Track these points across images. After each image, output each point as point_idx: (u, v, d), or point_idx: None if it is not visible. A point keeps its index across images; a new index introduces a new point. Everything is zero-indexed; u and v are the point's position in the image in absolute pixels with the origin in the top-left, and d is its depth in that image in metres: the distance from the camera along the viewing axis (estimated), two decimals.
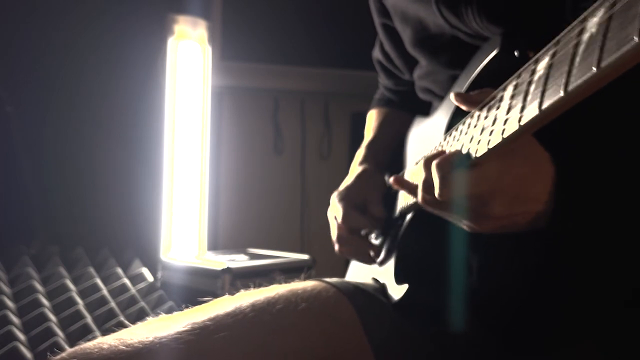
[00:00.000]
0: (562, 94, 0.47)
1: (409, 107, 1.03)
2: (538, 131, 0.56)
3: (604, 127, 0.68)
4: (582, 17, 0.47)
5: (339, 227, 0.95)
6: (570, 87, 0.46)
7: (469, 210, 0.64)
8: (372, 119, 1.14)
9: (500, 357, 0.79)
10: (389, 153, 1.04)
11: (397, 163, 0.99)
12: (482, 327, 0.78)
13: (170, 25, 1.89)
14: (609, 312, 0.73)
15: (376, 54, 1.12)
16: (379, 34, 1.07)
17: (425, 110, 0.94)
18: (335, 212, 0.96)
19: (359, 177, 1.00)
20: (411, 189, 0.72)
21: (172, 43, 1.89)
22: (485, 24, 0.75)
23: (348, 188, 0.99)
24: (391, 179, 0.76)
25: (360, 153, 1.07)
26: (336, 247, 0.97)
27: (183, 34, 1.91)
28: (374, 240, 0.96)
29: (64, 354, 0.65)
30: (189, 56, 1.92)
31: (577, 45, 0.46)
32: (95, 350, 0.64)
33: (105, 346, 0.64)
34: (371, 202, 0.96)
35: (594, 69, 0.42)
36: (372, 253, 0.94)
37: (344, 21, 2.39)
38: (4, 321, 1.32)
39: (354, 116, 2.50)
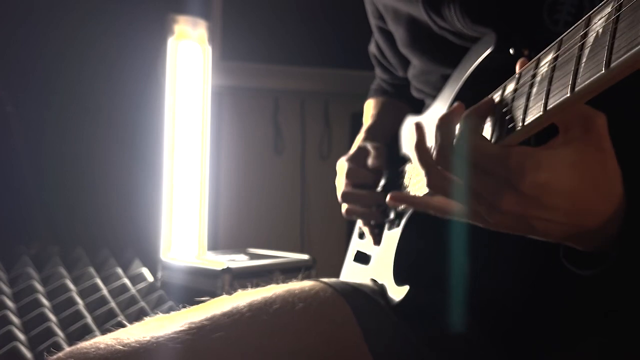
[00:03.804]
0: (568, 94, 0.46)
1: (405, 98, 1.04)
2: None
3: None
4: (585, 18, 0.47)
5: (345, 184, 0.98)
6: (578, 88, 0.45)
7: (479, 189, 0.56)
8: (370, 107, 1.16)
9: None
10: (387, 139, 1.05)
11: (391, 160, 1.00)
12: (484, 330, 0.78)
13: (170, 25, 1.89)
14: (611, 314, 0.73)
15: (372, 48, 1.14)
16: (374, 33, 1.08)
17: (421, 103, 0.95)
18: (340, 171, 0.99)
19: (361, 146, 1.03)
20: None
21: (172, 43, 1.89)
22: (468, 24, 0.75)
23: (351, 153, 1.02)
24: (388, 198, 0.75)
25: (359, 137, 1.08)
26: (343, 208, 0.99)
27: (183, 34, 1.90)
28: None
29: (60, 354, 0.65)
30: (189, 56, 1.92)
31: (582, 46, 0.46)
32: (92, 349, 0.64)
33: (102, 346, 0.64)
34: (373, 157, 0.98)
35: (603, 69, 0.42)
36: (377, 207, 0.95)
37: (344, 21, 2.38)
38: (4, 321, 1.32)
39: (354, 116, 2.49)
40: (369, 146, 1.00)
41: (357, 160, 0.99)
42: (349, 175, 0.97)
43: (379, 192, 0.97)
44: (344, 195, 0.98)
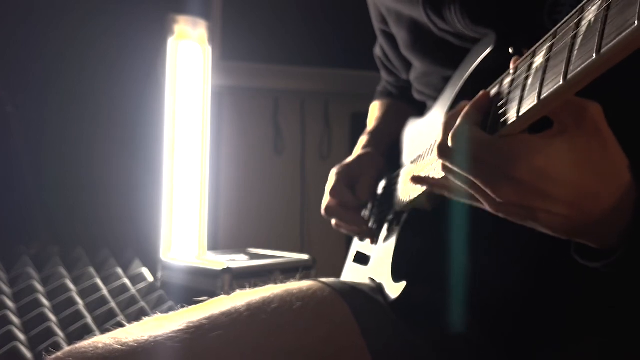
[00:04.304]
0: (561, 82, 0.47)
1: (410, 100, 1.04)
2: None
3: None
4: (579, 7, 0.47)
5: (329, 199, 1.00)
6: (570, 75, 0.46)
7: (477, 181, 0.57)
8: (375, 109, 1.17)
9: None
10: (390, 143, 1.05)
11: (393, 161, 1.00)
12: (484, 329, 0.78)
13: (170, 25, 1.89)
14: (612, 312, 0.73)
15: (377, 51, 1.14)
16: (378, 36, 1.08)
17: (425, 105, 0.95)
18: (330, 180, 1.01)
19: (360, 157, 1.04)
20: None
21: (172, 43, 1.89)
22: (469, 25, 0.75)
23: (346, 164, 1.02)
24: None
25: (363, 139, 1.09)
26: (333, 222, 1.02)
27: (183, 34, 1.91)
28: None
29: (59, 353, 0.65)
30: (189, 56, 1.92)
31: (575, 35, 0.46)
32: (91, 349, 0.64)
33: (100, 345, 0.64)
34: (360, 184, 0.99)
35: (594, 55, 0.43)
36: (361, 228, 0.97)
37: (344, 21, 2.38)
38: (4, 321, 1.32)
39: (354, 116, 2.50)
40: (361, 177, 1.00)
41: (347, 177, 1.00)
42: (332, 193, 0.99)
43: (362, 215, 0.99)
44: (326, 209, 1.00)
